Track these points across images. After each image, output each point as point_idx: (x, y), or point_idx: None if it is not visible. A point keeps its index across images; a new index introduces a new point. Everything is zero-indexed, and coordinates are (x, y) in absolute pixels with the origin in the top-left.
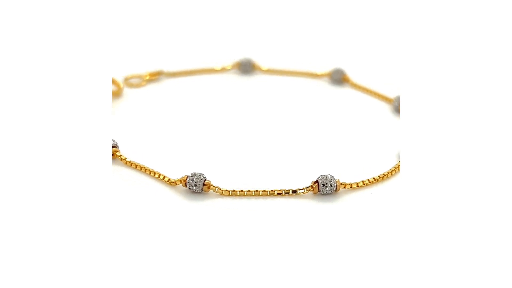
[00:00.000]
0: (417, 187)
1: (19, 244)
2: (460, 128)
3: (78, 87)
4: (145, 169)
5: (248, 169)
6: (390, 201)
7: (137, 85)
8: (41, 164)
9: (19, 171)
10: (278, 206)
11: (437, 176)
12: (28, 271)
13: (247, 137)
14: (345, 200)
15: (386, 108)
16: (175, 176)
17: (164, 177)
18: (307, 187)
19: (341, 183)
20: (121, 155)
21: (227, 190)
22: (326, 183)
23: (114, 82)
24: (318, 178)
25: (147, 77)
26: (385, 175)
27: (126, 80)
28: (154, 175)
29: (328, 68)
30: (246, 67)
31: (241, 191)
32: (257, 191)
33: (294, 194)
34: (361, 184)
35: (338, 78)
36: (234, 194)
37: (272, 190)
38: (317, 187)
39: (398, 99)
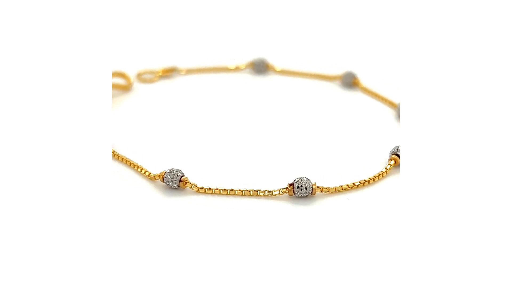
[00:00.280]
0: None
1: (15, 236)
2: (460, 132)
3: (78, 86)
4: (130, 163)
5: (247, 169)
6: (366, 208)
7: (149, 81)
8: (36, 157)
9: (16, 165)
10: (253, 206)
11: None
12: (23, 264)
13: (248, 137)
14: (321, 204)
15: (390, 113)
16: (158, 171)
17: (146, 171)
18: (283, 188)
19: (317, 187)
20: None
21: (202, 188)
22: (301, 186)
23: (124, 76)
24: (294, 180)
25: (160, 73)
26: (361, 183)
27: (139, 75)
28: (137, 169)
29: (341, 70)
30: (260, 67)
31: (217, 189)
32: (232, 190)
33: (270, 195)
34: (339, 188)
35: (349, 81)
36: (209, 192)
37: (247, 190)
38: (292, 190)
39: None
